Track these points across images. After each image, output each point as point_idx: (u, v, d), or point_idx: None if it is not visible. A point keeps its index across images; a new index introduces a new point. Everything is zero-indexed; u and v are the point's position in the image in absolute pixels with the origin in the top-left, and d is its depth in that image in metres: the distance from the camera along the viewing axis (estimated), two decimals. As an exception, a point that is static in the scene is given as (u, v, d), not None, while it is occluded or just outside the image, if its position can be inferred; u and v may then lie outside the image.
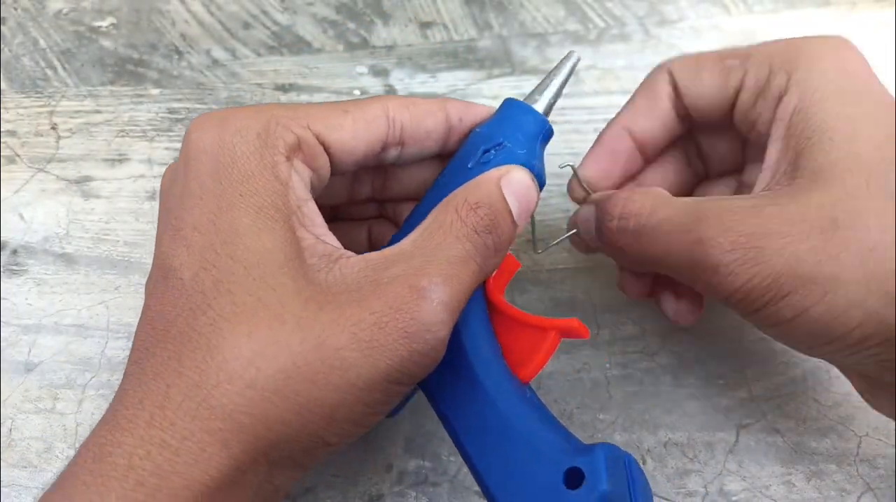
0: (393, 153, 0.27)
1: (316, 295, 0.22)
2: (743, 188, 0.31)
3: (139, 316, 0.23)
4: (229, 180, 0.23)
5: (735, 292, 0.24)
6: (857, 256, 0.22)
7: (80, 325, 0.35)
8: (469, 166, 0.27)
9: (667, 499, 0.30)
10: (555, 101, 0.29)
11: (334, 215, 0.32)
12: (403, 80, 0.43)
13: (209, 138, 0.24)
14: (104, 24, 0.45)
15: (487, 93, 0.42)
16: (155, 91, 0.43)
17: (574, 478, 0.21)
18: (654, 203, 0.26)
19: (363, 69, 0.43)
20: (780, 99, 0.26)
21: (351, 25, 0.45)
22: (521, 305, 0.35)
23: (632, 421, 0.32)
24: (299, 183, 0.25)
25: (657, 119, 0.30)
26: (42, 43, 0.45)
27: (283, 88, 0.43)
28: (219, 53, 0.44)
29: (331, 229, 0.32)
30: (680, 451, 0.31)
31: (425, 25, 0.45)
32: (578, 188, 0.30)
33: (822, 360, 0.33)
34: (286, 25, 0.45)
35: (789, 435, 0.31)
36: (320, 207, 0.31)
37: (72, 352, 0.35)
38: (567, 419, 0.32)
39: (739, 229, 0.24)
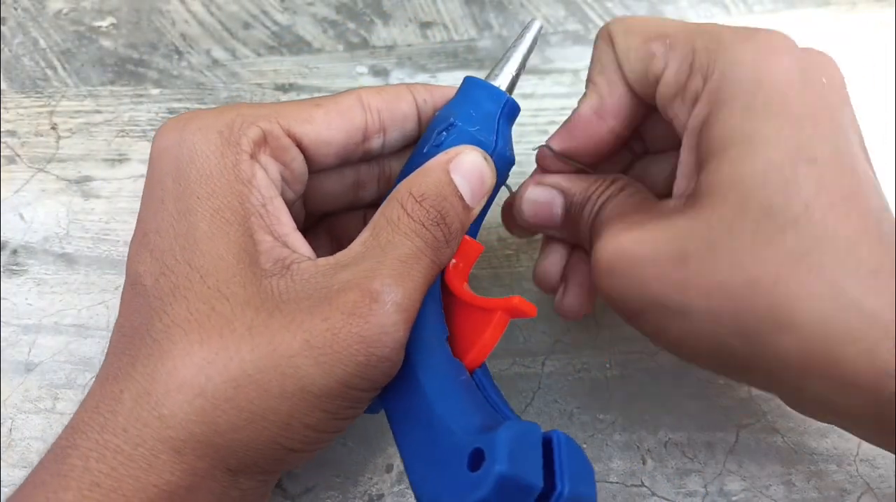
0: (377, 141, 0.27)
1: (266, 303, 0.22)
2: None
3: None
4: (188, 181, 0.23)
5: (606, 298, 0.24)
6: (703, 290, 0.21)
7: (80, 325, 0.35)
8: (424, 151, 0.26)
9: (667, 499, 0.30)
10: (519, 74, 0.28)
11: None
12: (403, 80, 0.43)
13: (171, 139, 0.24)
14: (104, 24, 0.45)
15: (487, 93, 0.42)
16: (155, 91, 0.43)
17: (477, 459, 0.20)
18: (619, 194, 0.26)
19: (363, 69, 0.43)
20: (694, 104, 0.24)
21: (351, 25, 0.45)
22: (521, 305, 0.35)
23: (632, 421, 0.32)
24: (265, 180, 0.24)
25: (622, 98, 0.27)
26: (42, 43, 0.45)
27: (283, 88, 0.43)
28: (219, 53, 0.44)
29: (328, 221, 0.32)
30: (680, 451, 0.31)
31: (425, 25, 0.45)
32: (557, 162, 0.29)
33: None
34: (286, 25, 0.45)
35: (789, 435, 0.31)
36: (320, 213, 0.31)
37: (72, 352, 0.35)
38: (567, 419, 0.32)
39: (615, 239, 0.24)
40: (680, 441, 0.32)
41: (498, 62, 0.28)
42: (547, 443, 0.21)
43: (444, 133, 0.26)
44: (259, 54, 0.44)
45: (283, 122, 0.25)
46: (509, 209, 0.30)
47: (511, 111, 0.27)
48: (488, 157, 0.26)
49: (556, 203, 0.28)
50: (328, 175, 0.29)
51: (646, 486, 0.31)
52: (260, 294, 0.22)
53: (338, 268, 0.22)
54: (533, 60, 0.43)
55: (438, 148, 0.26)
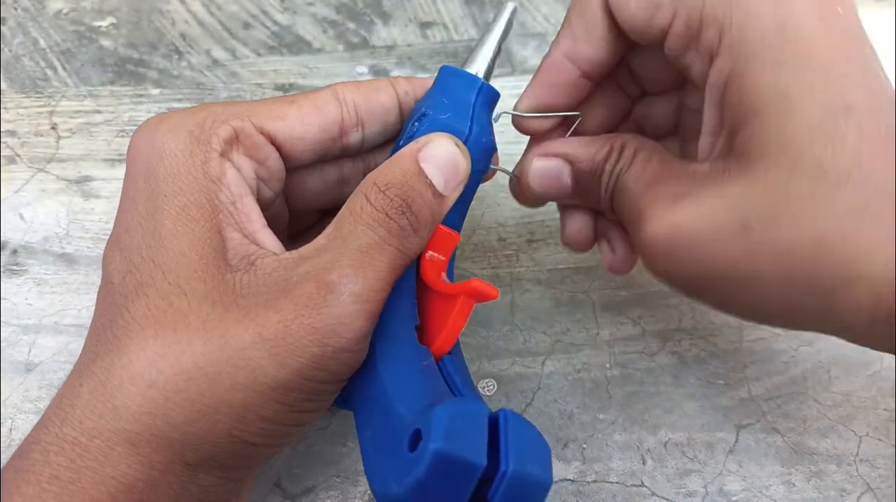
0: (355, 136, 0.27)
1: (224, 297, 0.22)
2: (684, 110, 0.29)
3: None
4: (156, 180, 0.23)
5: (663, 278, 0.24)
6: (771, 256, 0.21)
7: (80, 325, 0.35)
8: (399, 143, 0.26)
9: (667, 499, 0.30)
10: (495, 59, 0.27)
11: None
12: (403, 80, 0.43)
13: (144, 140, 0.24)
14: (104, 24, 0.45)
15: (487, 93, 0.42)
16: (155, 91, 0.43)
17: (416, 439, 0.20)
18: (633, 160, 0.26)
19: (363, 69, 0.43)
20: (711, 58, 0.23)
21: (351, 25, 0.45)
22: (521, 306, 0.35)
23: (632, 421, 0.32)
24: (235, 177, 0.24)
25: (599, 42, 0.26)
26: (42, 43, 0.45)
27: (283, 88, 0.43)
28: (219, 53, 0.44)
29: (324, 221, 0.32)
30: (680, 451, 0.31)
31: (425, 25, 0.45)
32: (534, 122, 0.28)
33: (820, 360, 0.33)
34: (286, 25, 0.45)
35: (789, 435, 0.31)
36: (309, 211, 0.30)
37: (72, 351, 0.35)
38: (567, 419, 0.32)
39: (667, 218, 0.23)
40: (680, 441, 0.32)
41: (473, 49, 0.27)
42: (494, 422, 0.20)
43: (417, 123, 0.26)
44: (259, 54, 0.44)
45: (255, 119, 0.25)
46: (517, 183, 0.29)
47: (487, 97, 0.27)
48: (461, 144, 0.25)
49: (564, 172, 0.27)
50: (309, 172, 0.28)
51: (646, 486, 0.31)
52: (220, 289, 0.22)
53: (299, 262, 0.22)
54: (533, 61, 0.43)
55: (411, 139, 0.25)
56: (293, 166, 0.27)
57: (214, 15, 0.46)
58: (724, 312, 0.25)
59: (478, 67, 0.27)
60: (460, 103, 0.26)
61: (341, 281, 0.21)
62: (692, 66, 0.24)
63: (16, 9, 0.46)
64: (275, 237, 0.25)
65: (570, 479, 0.31)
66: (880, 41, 0.43)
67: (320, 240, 0.23)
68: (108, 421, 0.21)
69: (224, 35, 0.45)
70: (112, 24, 0.45)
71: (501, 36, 0.27)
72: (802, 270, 0.21)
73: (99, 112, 0.42)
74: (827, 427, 0.32)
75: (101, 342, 0.22)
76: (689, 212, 0.23)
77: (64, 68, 0.44)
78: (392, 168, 0.24)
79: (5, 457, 0.32)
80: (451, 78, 0.27)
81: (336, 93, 0.26)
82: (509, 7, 0.27)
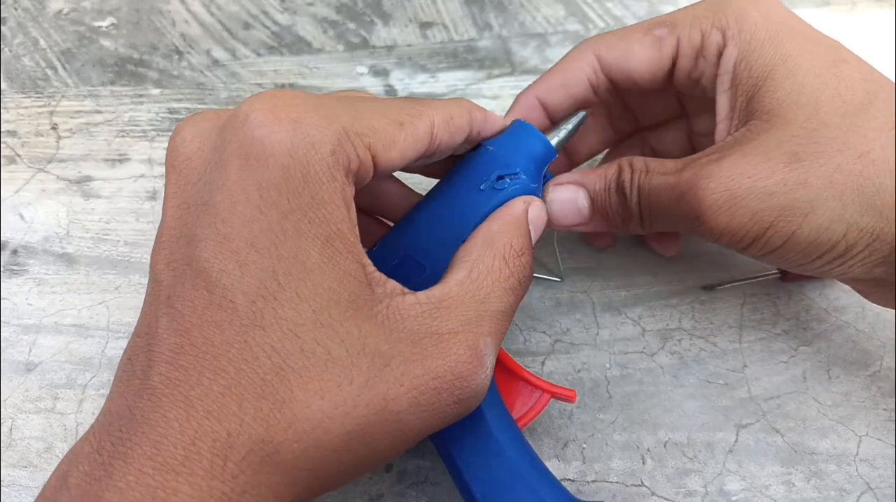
0: (418, 163, 0.26)
1: (381, 346, 0.21)
2: (695, 136, 0.33)
3: (148, 308, 0.22)
4: (298, 200, 0.21)
5: (724, 232, 0.26)
6: (824, 178, 0.24)
7: (80, 325, 0.35)
8: (481, 188, 0.27)
9: (667, 499, 0.30)
10: (563, 144, 0.30)
11: None
12: (403, 80, 0.43)
13: (280, 144, 0.21)
14: (104, 24, 0.46)
15: (487, 93, 0.42)
16: (155, 91, 0.43)
17: None
18: (648, 167, 0.28)
19: (363, 69, 0.43)
20: (719, 56, 0.28)
21: (351, 25, 0.45)
22: (521, 306, 0.35)
23: (632, 421, 0.32)
24: (353, 204, 0.23)
25: (568, 97, 0.31)
26: (42, 43, 0.45)
27: (283, 88, 0.43)
28: (219, 53, 0.44)
29: None
30: (680, 451, 0.31)
31: (425, 25, 0.45)
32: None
33: (820, 360, 0.33)
34: (286, 25, 0.45)
35: (789, 435, 0.31)
36: None
37: (72, 351, 0.35)
38: (567, 419, 0.32)
39: (713, 179, 0.25)
40: (680, 441, 0.32)
41: (554, 127, 0.30)
42: None
43: (508, 179, 0.27)
44: (259, 54, 0.44)
45: (374, 147, 0.23)
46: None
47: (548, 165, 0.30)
48: (544, 206, 0.28)
49: (580, 196, 0.29)
50: None
51: (646, 486, 0.31)
52: (375, 335, 0.21)
53: (442, 311, 0.23)
54: (533, 61, 0.43)
55: (499, 192, 0.27)
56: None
57: (214, 15, 0.46)
58: (782, 259, 0.26)
59: (555, 140, 0.30)
60: (540, 170, 0.29)
61: (485, 350, 0.22)
62: (703, 73, 0.29)
63: (16, 9, 0.46)
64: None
65: (570, 479, 0.31)
66: (880, 41, 0.43)
67: (453, 287, 0.23)
68: (265, 476, 0.20)
69: (224, 35, 0.45)
70: (112, 24, 0.46)
71: (572, 130, 0.30)
72: (853, 185, 0.24)
73: (99, 112, 0.42)
74: (827, 427, 0.32)
75: (224, 373, 0.20)
76: (739, 165, 0.25)
77: (64, 68, 0.44)
78: (520, 231, 0.26)
79: (5, 457, 0.32)
80: (536, 141, 0.29)
81: (433, 126, 0.25)
82: (580, 114, 0.31)
